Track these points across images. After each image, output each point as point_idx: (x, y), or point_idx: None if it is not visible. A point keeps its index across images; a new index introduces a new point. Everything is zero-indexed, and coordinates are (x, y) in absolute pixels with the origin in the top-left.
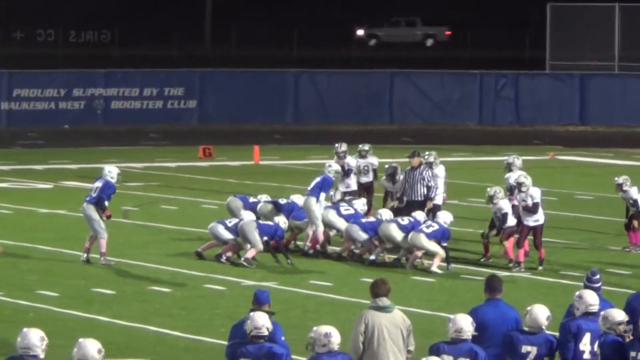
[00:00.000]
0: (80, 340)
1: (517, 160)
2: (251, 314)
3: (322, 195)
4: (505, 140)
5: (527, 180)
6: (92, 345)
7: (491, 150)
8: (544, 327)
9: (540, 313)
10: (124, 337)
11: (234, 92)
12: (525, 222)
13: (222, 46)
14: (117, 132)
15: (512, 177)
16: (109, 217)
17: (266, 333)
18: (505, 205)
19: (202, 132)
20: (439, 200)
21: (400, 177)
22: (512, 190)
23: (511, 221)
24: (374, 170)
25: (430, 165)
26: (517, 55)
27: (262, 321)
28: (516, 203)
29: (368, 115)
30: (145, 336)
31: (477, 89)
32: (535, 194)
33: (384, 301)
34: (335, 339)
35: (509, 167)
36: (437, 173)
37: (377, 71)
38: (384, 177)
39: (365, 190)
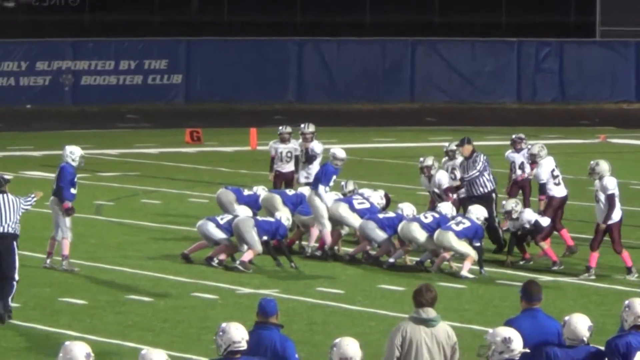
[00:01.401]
0: (67, 343)
1: (543, 151)
2: (224, 325)
3: (322, 187)
4: (547, 121)
5: (599, 166)
6: (79, 349)
7: (531, 132)
8: (585, 339)
9: (580, 323)
10: (97, 355)
11: (226, 65)
12: (599, 220)
13: (212, 10)
14: (88, 112)
15: (541, 172)
16: (67, 210)
17: (245, 347)
18: (530, 215)
19: (189, 113)
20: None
21: (436, 172)
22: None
23: (545, 222)
24: (297, 158)
25: (452, 155)
26: (562, 19)
27: (240, 334)
28: (555, 194)
29: (385, 91)
30: (122, 353)
31: (515, 60)
32: (609, 184)
33: (429, 312)
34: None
35: (532, 159)
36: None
37: (395, 39)
38: (422, 175)
39: (285, 183)
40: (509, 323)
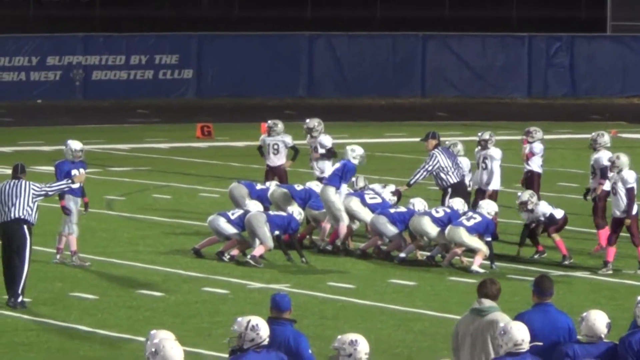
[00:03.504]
0: (153, 332)
1: (602, 138)
2: (240, 319)
3: (344, 185)
4: (558, 116)
5: (620, 160)
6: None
7: (542, 127)
8: (603, 336)
9: (599, 320)
10: (108, 350)
11: (237, 60)
12: (615, 214)
13: (223, 5)
14: (99, 107)
15: (603, 157)
16: (63, 209)
17: (267, 342)
18: (545, 208)
19: (199, 108)
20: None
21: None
22: (603, 173)
23: (558, 214)
24: (295, 149)
25: (484, 145)
26: (573, 14)
27: (263, 329)
28: (607, 188)
29: (396, 86)
30: (133, 349)
31: (525, 55)
32: (629, 177)
33: (483, 303)
34: (363, 347)
35: (593, 145)
36: (492, 154)
37: (406, 34)
38: None
39: (276, 175)
40: (519, 317)
